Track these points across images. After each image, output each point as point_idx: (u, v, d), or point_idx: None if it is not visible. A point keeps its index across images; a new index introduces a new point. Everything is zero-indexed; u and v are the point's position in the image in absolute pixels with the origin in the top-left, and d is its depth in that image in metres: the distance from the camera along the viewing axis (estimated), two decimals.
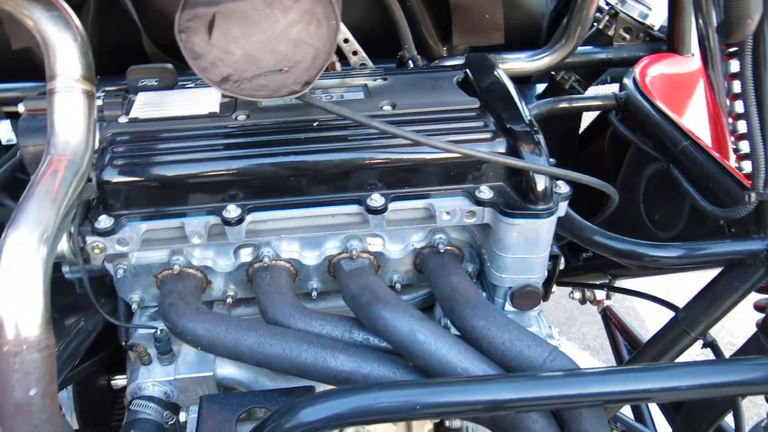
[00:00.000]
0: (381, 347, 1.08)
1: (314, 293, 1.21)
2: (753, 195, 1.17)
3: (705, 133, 1.44)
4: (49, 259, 0.82)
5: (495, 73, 1.30)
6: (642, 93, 1.53)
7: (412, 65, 1.61)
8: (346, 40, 1.54)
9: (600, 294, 2.21)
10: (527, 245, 1.12)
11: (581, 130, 2.01)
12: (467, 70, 1.33)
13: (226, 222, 1.07)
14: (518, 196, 1.11)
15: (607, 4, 1.84)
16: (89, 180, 1.01)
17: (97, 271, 1.16)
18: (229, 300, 1.21)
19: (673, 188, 1.39)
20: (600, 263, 1.83)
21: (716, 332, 1.33)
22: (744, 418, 1.20)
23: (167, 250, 1.15)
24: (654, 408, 1.89)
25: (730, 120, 1.32)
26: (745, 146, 1.27)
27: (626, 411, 1.91)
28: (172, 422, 1.14)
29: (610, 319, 2.19)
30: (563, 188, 1.13)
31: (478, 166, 1.13)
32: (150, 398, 1.15)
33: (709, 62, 1.41)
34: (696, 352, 1.36)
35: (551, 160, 1.12)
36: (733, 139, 1.32)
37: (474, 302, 1.05)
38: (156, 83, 1.22)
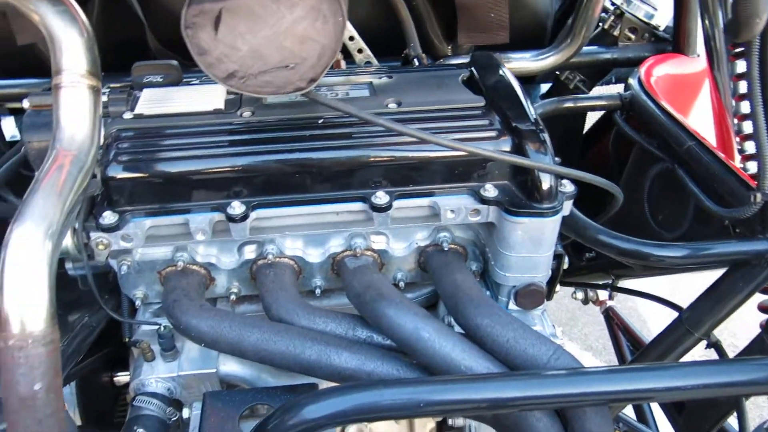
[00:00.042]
0: (385, 345, 1.08)
1: (318, 291, 1.21)
2: (758, 195, 1.16)
3: (710, 133, 1.44)
4: (54, 254, 0.82)
5: (500, 71, 1.30)
6: (647, 93, 1.53)
7: (417, 63, 1.61)
8: (351, 38, 1.54)
9: (603, 294, 2.21)
10: (532, 244, 1.12)
11: (585, 130, 2.01)
12: (472, 69, 1.32)
13: (231, 219, 1.07)
14: (523, 195, 1.11)
15: (613, 4, 1.84)
16: (93, 176, 1.01)
17: (101, 267, 1.16)
18: (233, 297, 1.21)
19: (677, 188, 1.39)
20: (603, 263, 1.83)
21: (719, 334, 1.33)
22: (748, 418, 1.20)
23: (171, 246, 1.15)
24: (656, 409, 1.89)
25: (736, 120, 1.32)
26: (750, 147, 1.27)
27: (629, 411, 1.91)
28: (175, 418, 1.14)
29: (612, 319, 2.18)
30: (568, 187, 1.13)
31: (483, 164, 1.12)
32: (153, 394, 1.15)
33: (714, 63, 1.41)
34: (699, 354, 1.35)
35: (556, 159, 1.12)
36: (738, 139, 1.32)
37: (478, 300, 1.05)
38: (161, 80, 1.22)
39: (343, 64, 1.52)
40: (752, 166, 1.26)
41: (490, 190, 1.12)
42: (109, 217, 1.06)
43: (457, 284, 1.10)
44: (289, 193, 1.12)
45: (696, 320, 1.26)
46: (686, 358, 1.29)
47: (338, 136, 1.14)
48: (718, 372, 0.94)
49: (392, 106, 1.20)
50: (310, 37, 0.96)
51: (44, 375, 0.77)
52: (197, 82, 1.29)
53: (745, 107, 1.27)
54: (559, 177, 1.11)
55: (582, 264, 1.88)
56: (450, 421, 1.27)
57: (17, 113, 1.73)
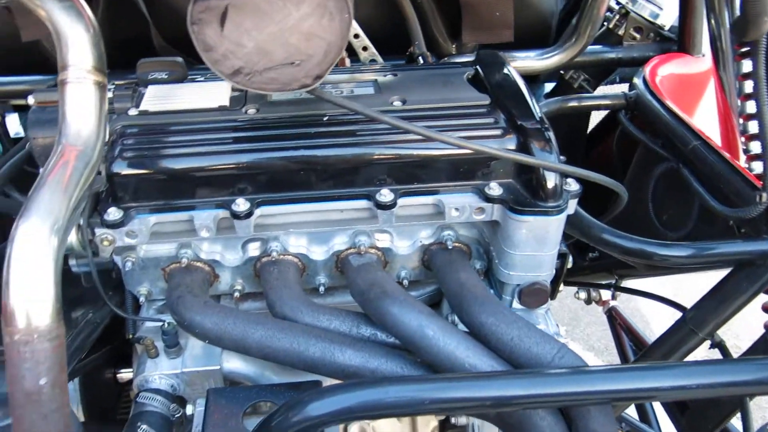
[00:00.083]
0: (389, 343, 1.08)
1: (321, 288, 1.21)
2: (764, 195, 1.16)
3: (715, 133, 1.43)
4: (60, 249, 0.82)
5: (505, 70, 1.30)
6: (652, 93, 1.52)
7: (422, 62, 1.61)
8: (356, 36, 1.54)
9: (605, 294, 2.20)
10: (536, 243, 1.12)
11: (589, 129, 2.01)
12: (478, 67, 1.32)
13: (235, 216, 1.07)
14: (528, 193, 1.11)
15: (618, 3, 1.84)
16: (98, 172, 1.01)
17: (104, 264, 1.16)
18: (237, 294, 1.21)
19: (682, 188, 1.38)
20: (607, 263, 1.82)
21: (722, 335, 1.32)
22: (752, 418, 1.20)
23: (175, 243, 1.15)
24: (659, 409, 1.89)
25: (741, 120, 1.32)
26: (755, 147, 1.27)
27: (631, 411, 1.91)
28: (178, 415, 1.14)
29: (615, 319, 2.18)
30: (573, 186, 1.12)
31: (488, 162, 1.12)
32: (157, 391, 1.15)
33: (720, 62, 1.41)
34: (702, 354, 1.35)
35: (561, 157, 1.12)
36: (743, 139, 1.32)
37: (482, 298, 1.05)
38: (166, 76, 1.22)
39: (347, 61, 1.52)
40: (757, 166, 1.26)
41: (494, 189, 1.11)
42: (113, 214, 1.06)
43: (461, 282, 1.10)
44: (294, 190, 1.12)
45: (700, 320, 1.26)
46: (689, 359, 1.28)
47: (343, 133, 1.14)
48: (722, 371, 0.93)
49: (397, 103, 1.20)
50: (316, 34, 0.96)
51: (50, 370, 0.77)
52: (202, 79, 1.29)
53: (750, 107, 1.27)
54: (564, 175, 1.11)
55: (585, 264, 1.88)
56: (453, 420, 1.27)
57: (21, 110, 1.73)
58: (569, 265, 1.22)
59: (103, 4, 1.60)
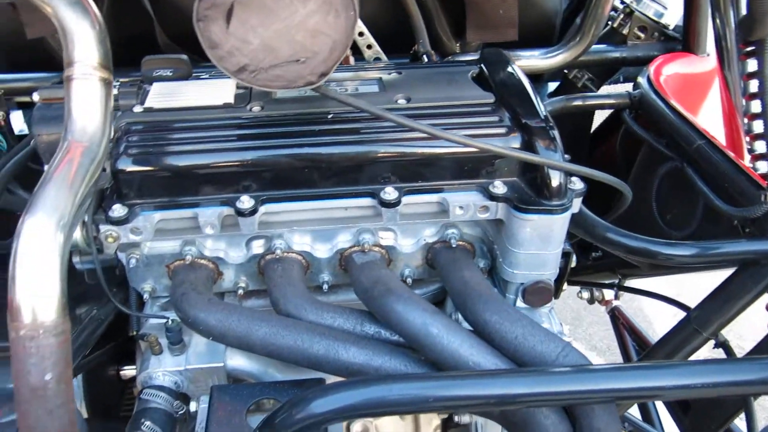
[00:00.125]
0: (392, 340, 1.08)
1: (325, 286, 1.21)
2: None
3: (719, 132, 1.43)
4: (66, 245, 0.82)
5: (510, 68, 1.30)
6: (656, 92, 1.52)
7: (426, 60, 1.61)
8: (361, 34, 1.54)
9: (608, 294, 2.20)
10: (540, 241, 1.12)
11: (593, 129, 2.01)
12: (482, 65, 1.32)
13: (240, 213, 1.07)
14: (532, 192, 1.11)
15: (622, 2, 1.83)
16: (103, 169, 1.01)
17: (108, 261, 1.16)
18: (241, 291, 1.21)
19: (686, 187, 1.38)
20: (610, 262, 1.82)
21: (725, 335, 1.32)
22: (756, 418, 1.19)
23: (179, 240, 1.15)
24: (662, 409, 1.88)
25: (746, 120, 1.32)
26: (760, 146, 1.27)
27: (634, 411, 1.91)
28: (182, 412, 1.14)
29: (618, 319, 2.18)
30: (578, 184, 1.12)
31: (492, 161, 1.12)
32: (160, 388, 1.15)
33: (725, 61, 1.41)
34: (706, 355, 1.35)
35: (566, 156, 1.12)
36: (748, 139, 1.31)
37: (487, 297, 1.05)
38: (171, 74, 1.22)
39: (352, 60, 1.52)
40: (762, 166, 1.25)
41: (499, 187, 1.11)
42: (118, 210, 1.06)
43: (465, 281, 1.10)
44: (298, 187, 1.12)
45: (704, 320, 1.26)
46: (693, 358, 1.28)
47: (348, 131, 1.14)
48: (727, 371, 0.93)
49: (402, 101, 1.20)
50: (321, 31, 0.96)
51: (55, 365, 0.77)
52: (206, 76, 1.29)
53: (755, 106, 1.27)
54: (568, 174, 1.11)
55: (588, 263, 1.88)
56: (456, 418, 1.27)
57: (25, 107, 1.73)
58: (573, 264, 1.22)
59: (108, 2, 1.60)
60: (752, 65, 1.24)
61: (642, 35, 1.81)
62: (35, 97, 1.11)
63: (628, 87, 1.70)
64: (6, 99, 1.65)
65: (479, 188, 1.13)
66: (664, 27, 1.80)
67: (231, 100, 1.19)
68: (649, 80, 1.57)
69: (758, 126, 1.25)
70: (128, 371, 1.51)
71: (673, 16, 1.80)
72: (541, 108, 1.17)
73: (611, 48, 1.84)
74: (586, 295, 2.14)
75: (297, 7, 0.93)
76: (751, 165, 1.27)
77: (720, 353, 1.32)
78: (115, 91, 1.15)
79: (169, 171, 1.09)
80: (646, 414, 1.92)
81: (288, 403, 0.90)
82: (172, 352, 1.18)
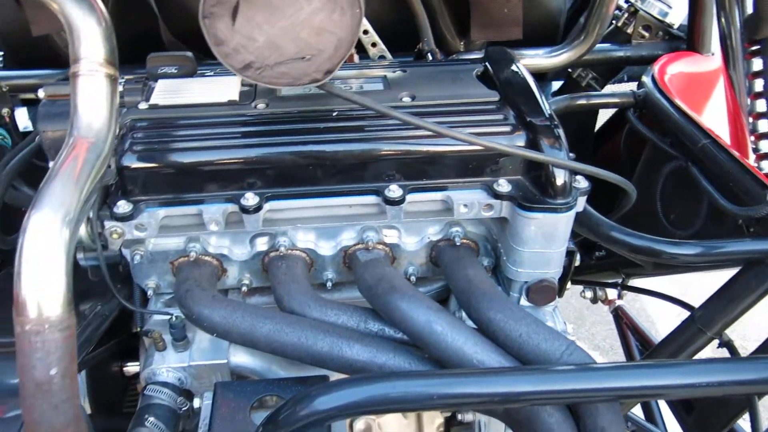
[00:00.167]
0: (396, 338, 1.08)
1: (329, 284, 1.22)
2: None
3: (724, 132, 1.43)
4: (72, 240, 0.82)
5: (514, 67, 1.30)
6: (661, 91, 1.52)
7: (430, 58, 1.61)
8: (365, 32, 1.54)
9: (612, 293, 2.20)
10: (545, 240, 1.12)
11: (597, 127, 2.01)
12: (487, 64, 1.32)
13: (244, 210, 1.07)
14: (537, 190, 1.11)
15: (627, 1, 1.83)
16: (108, 166, 1.02)
17: (112, 258, 1.17)
18: (244, 289, 1.21)
19: (691, 187, 1.38)
20: (614, 262, 1.82)
21: (729, 335, 1.32)
22: (761, 418, 1.19)
23: (184, 237, 1.15)
24: (665, 409, 1.88)
25: (751, 119, 1.32)
26: (765, 146, 1.27)
27: (637, 411, 1.91)
28: (185, 408, 1.14)
29: (621, 318, 2.17)
30: (582, 183, 1.12)
31: (497, 159, 1.12)
32: (164, 384, 1.15)
33: (730, 61, 1.41)
34: (710, 355, 1.35)
35: (571, 154, 1.12)
36: (753, 138, 1.31)
37: (491, 295, 1.05)
38: (176, 71, 1.22)
39: (356, 58, 1.52)
40: (767, 165, 1.25)
41: (503, 185, 1.11)
42: (123, 207, 1.06)
43: (469, 279, 1.10)
44: (303, 185, 1.12)
45: (708, 319, 1.25)
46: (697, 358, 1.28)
47: (352, 128, 1.14)
48: (731, 370, 0.93)
49: (406, 99, 1.20)
50: (326, 28, 0.96)
51: (60, 360, 0.78)
52: (211, 73, 1.29)
53: (760, 105, 1.27)
54: (573, 173, 1.11)
55: (592, 262, 1.88)
56: (459, 417, 1.27)
57: (30, 104, 1.74)
58: (577, 262, 1.22)
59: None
60: (757, 64, 1.24)
61: (646, 34, 1.81)
62: (40, 93, 1.11)
63: (632, 86, 1.70)
64: (11, 96, 1.66)
65: (484, 186, 1.13)
66: (669, 26, 1.80)
67: (236, 97, 1.19)
68: (653, 79, 1.57)
69: (763, 125, 1.25)
70: (131, 368, 1.52)
71: (677, 15, 1.80)
72: (546, 106, 1.17)
73: (615, 47, 1.84)
74: (589, 294, 2.14)
75: (302, 4, 0.93)
76: (756, 164, 1.27)
77: (724, 353, 1.31)
78: (120, 88, 1.15)
79: (173, 168, 1.09)
80: (650, 414, 1.92)
81: (292, 400, 0.90)
82: (176, 349, 1.18)
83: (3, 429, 1.02)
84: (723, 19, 1.43)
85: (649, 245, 1.22)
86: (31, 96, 1.68)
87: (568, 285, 1.27)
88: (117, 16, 1.58)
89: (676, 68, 1.63)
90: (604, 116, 1.98)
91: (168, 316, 1.16)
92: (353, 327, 1.09)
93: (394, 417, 1.31)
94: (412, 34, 1.65)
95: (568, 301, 3.26)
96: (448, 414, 1.30)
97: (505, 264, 1.18)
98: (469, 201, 1.12)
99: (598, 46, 1.73)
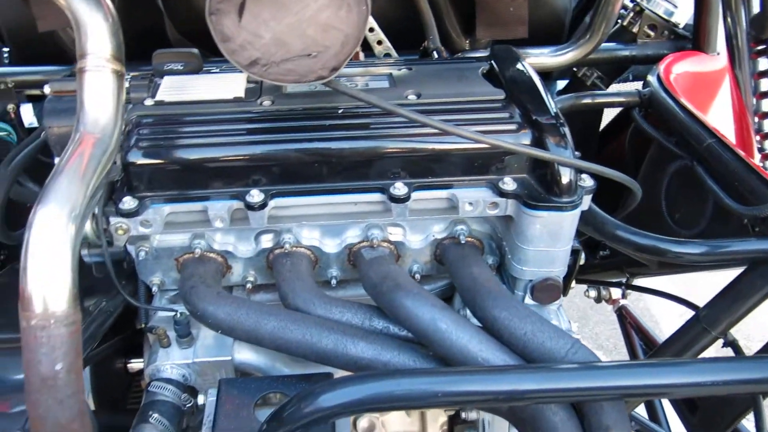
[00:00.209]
0: (401, 336, 1.08)
1: (333, 281, 1.22)
2: None
3: (729, 131, 1.43)
4: (78, 236, 0.82)
5: (520, 65, 1.30)
6: (666, 90, 1.52)
7: (436, 56, 1.61)
8: (371, 29, 1.54)
9: (615, 293, 2.19)
10: (550, 238, 1.12)
11: (602, 127, 2.00)
12: (492, 62, 1.32)
13: (249, 207, 1.07)
14: (542, 189, 1.10)
15: (632, 0, 1.83)
16: (114, 162, 1.02)
17: (117, 254, 1.17)
18: (249, 286, 1.21)
19: (696, 186, 1.38)
20: (618, 261, 1.82)
21: (733, 335, 1.31)
22: (765, 418, 1.19)
23: (189, 233, 1.15)
24: (669, 409, 1.88)
25: (756, 119, 1.32)
26: None
27: (641, 411, 1.90)
28: (189, 405, 1.15)
29: (625, 318, 2.17)
30: (588, 182, 1.12)
31: (502, 157, 1.12)
32: (168, 380, 1.16)
33: (736, 60, 1.40)
34: (714, 354, 1.34)
35: (576, 153, 1.11)
36: (758, 137, 1.31)
37: (496, 293, 1.05)
38: (181, 67, 1.22)
39: (361, 55, 1.52)
40: None
41: (508, 183, 1.11)
42: (128, 203, 1.06)
43: (474, 277, 1.10)
44: (308, 182, 1.12)
45: (713, 318, 1.25)
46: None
47: (358, 126, 1.14)
48: (737, 369, 0.93)
49: (412, 97, 1.20)
50: (333, 25, 0.96)
51: (66, 355, 0.78)
52: (217, 70, 1.29)
53: (766, 105, 1.26)
54: (578, 171, 1.10)
55: (596, 261, 1.87)
56: (463, 415, 1.27)
57: (35, 100, 1.74)
58: (582, 261, 1.22)
59: None
60: (763, 64, 1.24)
61: (652, 33, 1.81)
62: (46, 89, 1.11)
63: (637, 85, 1.70)
64: (16, 92, 1.66)
65: (489, 185, 1.12)
66: (674, 25, 1.80)
67: (241, 94, 1.19)
68: (659, 78, 1.56)
69: None
70: (135, 364, 1.52)
71: (683, 15, 1.79)
72: (552, 105, 1.17)
73: (621, 46, 1.83)
74: (593, 293, 2.13)
75: (309, 1, 0.93)
76: (761, 163, 1.27)
77: (728, 352, 1.31)
78: (126, 84, 1.15)
79: (179, 164, 1.09)
80: (653, 413, 1.91)
81: (296, 397, 0.90)
82: (180, 345, 1.18)
83: (8, 424, 1.02)
84: (729, 19, 1.43)
85: (655, 244, 1.22)
86: (36, 92, 1.68)
87: (573, 284, 1.27)
88: (123, 12, 1.58)
89: (681, 68, 1.63)
90: (608, 116, 1.98)
91: (172, 313, 1.16)
92: (358, 324, 1.09)
93: (398, 415, 1.31)
94: (417, 32, 1.65)
95: (571, 300, 3.26)
96: (452, 412, 1.30)
97: (510, 262, 1.18)
98: (474, 199, 1.12)
99: (604, 45, 1.73)
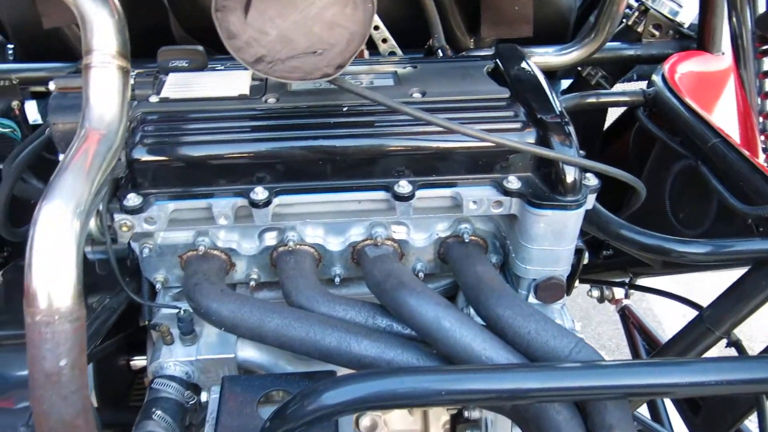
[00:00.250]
0: (405, 334, 1.08)
1: (337, 279, 1.21)
2: None
3: (734, 131, 1.43)
4: (83, 232, 0.82)
5: (525, 64, 1.30)
6: (671, 90, 1.51)
7: (441, 55, 1.61)
8: (376, 28, 1.54)
9: (618, 293, 2.19)
10: (554, 237, 1.11)
11: (605, 126, 2.00)
12: (497, 60, 1.32)
13: (254, 204, 1.07)
14: (547, 187, 1.10)
15: (637, 0, 1.83)
16: (118, 159, 1.02)
17: (120, 252, 1.17)
18: (252, 283, 1.21)
19: (700, 186, 1.38)
20: (621, 261, 1.82)
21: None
22: None
23: (193, 230, 1.15)
24: (671, 409, 1.88)
25: (761, 119, 1.31)
26: None
27: (643, 411, 1.90)
28: (193, 402, 1.15)
29: (628, 318, 2.17)
30: (592, 181, 1.12)
31: (507, 155, 1.12)
32: (171, 377, 1.15)
33: (741, 60, 1.40)
34: (716, 355, 1.34)
35: (581, 151, 1.11)
36: (763, 137, 1.31)
37: (500, 291, 1.05)
38: (186, 64, 1.22)
39: (366, 54, 1.52)
40: None
41: (513, 182, 1.11)
42: (133, 200, 1.06)
43: (478, 275, 1.10)
44: (312, 180, 1.12)
45: (717, 318, 1.25)
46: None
47: (362, 124, 1.14)
48: (741, 368, 0.92)
49: (417, 95, 1.20)
50: (339, 23, 0.96)
51: (70, 351, 0.78)
52: (222, 68, 1.29)
53: None
54: (583, 170, 1.10)
55: (599, 261, 1.87)
56: (466, 414, 1.27)
57: (40, 97, 1.74)
58: (585, 260, 1.22)
59: None
60: None
61: (657, 33, 1.80)
62: (51, 86, 1.11)
63: (641, 85, 1.70)
64: (21, 89, 1.66)
65: (493, 183, 1.12)
66: (679, 25, 1.79)
67: (246, 91, 1.19)
68: (663, 78, 1.56)
69: None
70: (138, 362, 1.52)
71: (688, 15, 1.79)
72: (557, 103, 1.17)
73: (626, 46, 1.83)
74: (596, 293, 2.13)
75: None
76: (766, 163, 1.26)
77: (732, 353, 1.31)
78: (131, 81, 1.15)
79: (183, 161, 1.09)
80: (656, 413, 1.91)
81: (300, 395, 0.90)
82: (184, 343, 1.18)
83: (12, 420, 1.02)
84: (734, 18, 1.42)
85: (659, 244, 1.22)
86: (41, 89, 1.69)
87: (576, 283, 1.27)
88: (128, 10, 1.59)
89: (686, 67, 1.63)
90: (612, 115, 1.98)
91: (176, 310, 1.16)
92: (361, 322, 1.09)
93: (400, 414, 1.31)
94: (422, 30, 1.64)
95: (574, 300, 3.25)
96: (455, 411, 1.30)
97: (514, 261, 1.18)
98: (478, 197, 1.12)
99: (608, 44, 1.73)
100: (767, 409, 1.14)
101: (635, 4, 1.83)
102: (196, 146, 1.10)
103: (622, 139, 1.88)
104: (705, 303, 1.31)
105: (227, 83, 1.20)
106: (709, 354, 1.30)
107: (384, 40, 1.56)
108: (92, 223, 1.06)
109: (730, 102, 1.50)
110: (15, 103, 1.65)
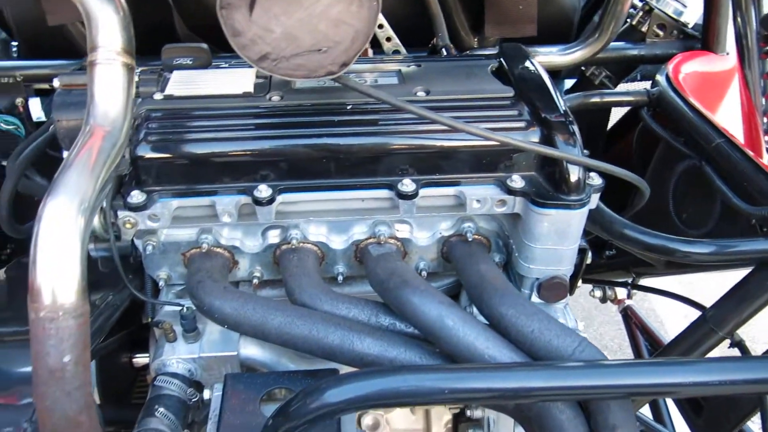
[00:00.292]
0: (408, 332, 1.08)
1: (340, 278, 1.21)
2: None
3: (738, 131, 1.42)
4: (87, 229, 0.83)
5: (529, 63, 1.30)
6: (675, 90, 1.51)
7: (445, 53, 1.61)
8: (380, 26, 1.53)
9: (621, 293, 2.19)
10: (557, 236, 1.11)
11: (609, 126, 2.00)
12: (501, 59, 1.32)
13: (257, 202, 1.07)
14: (550, 186, 1.10)
15: (642, 0, 1.83)
16: (122, 156, 1.02)
17: (123, 249, 1.17)
18: (255, 281, 1.21)
19: (704, 186, 1.37)
20: (624, 261, 1.82)
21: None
22: None
23: (196, 228, 1.16)
24: (673, 410, 1.88)
25: (765, 119, 1.31)
26: None
27: (645, 411, 1.90)
28: (195, 399, 1.15)
29: (631, 318, 2.17)
30: (596, 180, 1.12)
31: (511, 154, 1.12)
32: (174, 375, 1.15)
33: (745, 60, 1.40)
34: (719, 355, 1.34)
35: (585, 151, 1.11)
36: (767, 138, 1.30)
37: (503, 290, 1.05)
38: (191, 62, 1.22)
39: (370, 52, 1.52)
40: None
41: (516, 181, 1.11)
42: (137, 197, 1.06)
43: (481, 274, 1.10)
44: (316, 178, 1.12)
45: (720, 319, 1.25)
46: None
47: (366, 122, 1.14)
48: (744, 368, 0.92)
49: (421, 94, 1.20)
50: (344, 20, 0.96)
51: (74, 347, 0.78)
52: (226, 65, 1.29)
53: None
54: (587, 170, 1.10)
55: (602, 261, 1.87)
56: (468, 413, 1.27)
57: (44, 94, 1.74)
58: (588, 260, 1.22)
59: None
60: None
61: (661, 33, 1.80)
62: (56, 83, 1.11)
63: (645, 85, 1.70)
64: (25, 86, 1.66)
65: (497, 182, 1.12)
66: (684, 25, 1.79)
67: (250, 89, 1.19)
68: (667, 78, 1.56)
69: None
70: (141, 359, 1.52)
71: (692, 15, 1.79)
72: (561, 102, 1.17)
73: (630, 46, 1.83)
74: (598, 293, 2.13)
75: None
76: None
77: (735, 353, 1.31)
78: (135, 79, 1.15)
79: (187, 158, 1.09)
80: (658, 414, 1.91)
81: (302, 392, 0.90)
82: (186, 340, 1.18)
83: (16, 416, 1.02)
84: (738, 19, 1.42)
85: (663, 243, 1.22)
86: (44, 86, 1.69)
87: (579, 283, 1.26)
88: (132, 7, 1.59)
89: (690, 67, 1.63)
90: (615, 115, 1.97)
91: (179, 308, 1.16)
92: (364, 321, 1.09)
93: (402, 413, 1.31)
94: (426, 29, 1.64)
95: (576, 300, 3.25)
96: (457, 410, 1.30)
97: (517, 260, 1.17)
98: (481, 196, 1.12)
99: (612, 44, 1.73)
100: None
101: (639, 4, 1.83)
102: (200, 144, 1.10)
103: (625, 139, 1.88)
104: (708, 303, 1.31)
105: (231, 81, 1.20)
106: (711, 355, 1.30)
107: (388, 39, 1.56)
108: (96, 220, 1.07)
109: (735, 102, 1.50)
110: (19, 100, 1.65)
